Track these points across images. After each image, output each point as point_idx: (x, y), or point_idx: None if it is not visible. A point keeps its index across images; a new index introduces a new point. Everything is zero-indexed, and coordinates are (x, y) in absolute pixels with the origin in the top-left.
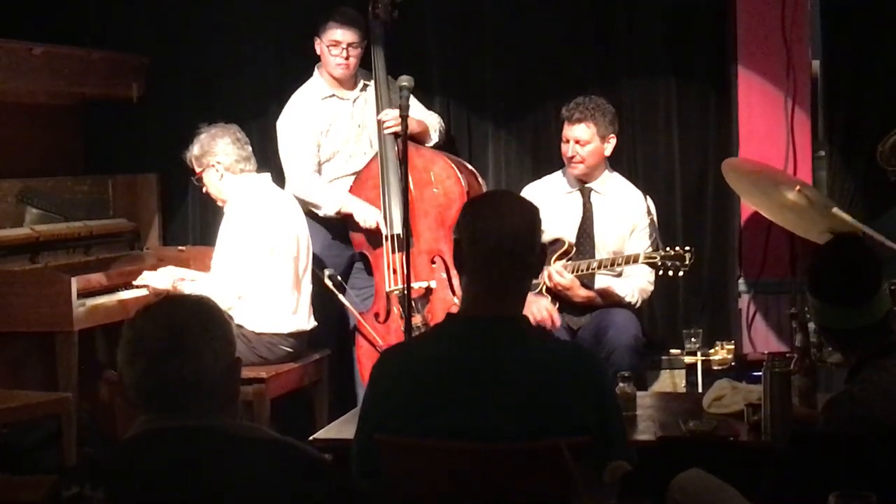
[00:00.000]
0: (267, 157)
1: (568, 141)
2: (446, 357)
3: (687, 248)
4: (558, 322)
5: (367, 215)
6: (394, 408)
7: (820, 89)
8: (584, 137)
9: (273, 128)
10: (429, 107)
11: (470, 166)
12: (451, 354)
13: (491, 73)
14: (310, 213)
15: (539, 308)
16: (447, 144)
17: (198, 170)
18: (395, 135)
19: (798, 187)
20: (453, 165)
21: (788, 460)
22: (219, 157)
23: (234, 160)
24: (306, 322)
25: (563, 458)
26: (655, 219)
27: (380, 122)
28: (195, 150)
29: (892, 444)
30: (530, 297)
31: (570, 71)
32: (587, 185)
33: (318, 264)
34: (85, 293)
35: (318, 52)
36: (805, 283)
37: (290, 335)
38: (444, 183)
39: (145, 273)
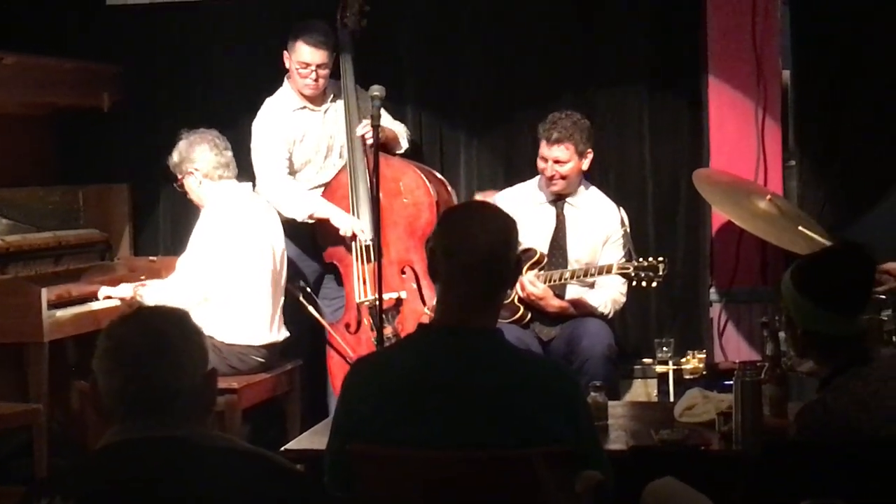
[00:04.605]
0: (239, 167)
1: (546, 160)
2: (418, 367)
3: (660, 258)
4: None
5: (341, 220)
6: (365, 418)
7: (790, 99)
8: (563, 157)
9: (245, 138)
10: (400, 116)
11: (439, 176)
12: (423, 365)
13: (463, 81)
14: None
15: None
16: (418, 154)
17: (178, 177)
18: (368, 145)
19: (769, 197)
20: (423, 175)
21: (760, 469)
22: (197, 163)
23: (213, 167)
24: (278, 333)
25: (536, 468)
26: (629, 230)
27: (359, 137)
28: (174, 157)
29: (865, 453)
30: None
31: (542, 80)
32: (562, 196)
33: (289, 275)
34: (55, 304)
35: (288, 66)
36: (795, 284)
37: (263, 346)
38: (414, 193)
39: (104, 287)
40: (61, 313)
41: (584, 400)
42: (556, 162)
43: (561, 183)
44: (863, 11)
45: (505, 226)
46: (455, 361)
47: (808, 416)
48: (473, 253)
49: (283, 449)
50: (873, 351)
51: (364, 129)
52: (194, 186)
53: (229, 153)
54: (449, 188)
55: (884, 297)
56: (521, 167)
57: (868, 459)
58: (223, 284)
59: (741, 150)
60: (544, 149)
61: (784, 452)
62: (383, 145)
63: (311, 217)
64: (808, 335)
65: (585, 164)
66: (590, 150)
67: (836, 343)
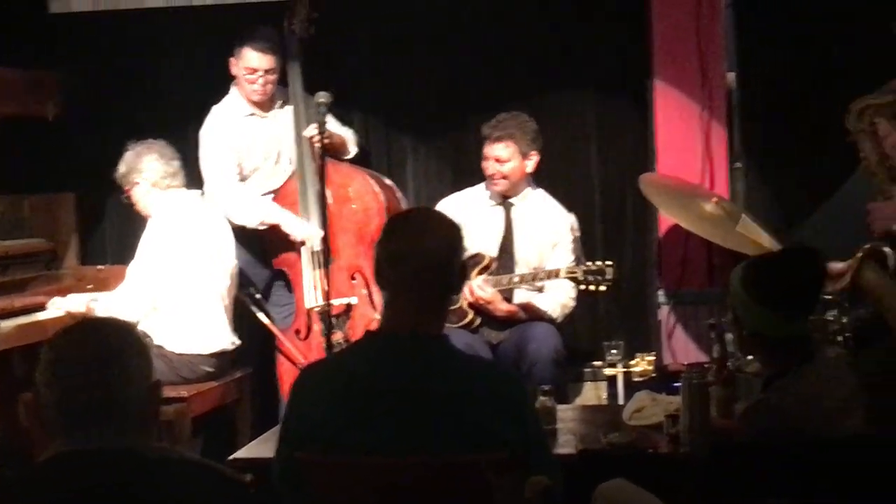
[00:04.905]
0: (188, 176)
1: (488, 159)
2: (366, 374)
3: (608, 262)
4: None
5: (292, 226)
6: (314, 425)
7: (736, 101)
8: (503, 156)
9: (192, 147)
10: (349, 122)
11: (389, 181)
12: (371, 371)
13: (410, 87)
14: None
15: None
16: (367, 159)
17: (125, 187)
18: (317, 150)
19: (715, 199)
20: (372, 181)
21: (707, 470)
22: (144, 173)
23: (161, 176)
24: (229, 341)
25: (485, 474)
26: (578, 235)
27: (306, 139)
28: (121, 168)
29: (808, 453)
30: None
31: (490, 86)
32: (509, 200)
33: (239, 282)
34: (1, 314)
35: (235, 72)
36: (744, 286)
37: (213, 355)
38: (363, 199)
39: (55, 299)
40: (6, 324)
41: (531, 404)
42: (498, 160)
43: (502, 183)
44: (806, 13)
45: (450, 232)
46: (402, 368)
47: (752, 417)
48: (419, 259)
49: (231, 458)
50: (818, 351)
51: (311, 132)
52: (142, 196)
53: (177, 162)
54: (398, 194)
55: (829, 297)
56: (469, 172)
57: (811, 459)
58: (172, 294)
59: (687, 154)
60: (486, 147)
61: (730, 453)
62: (332, 151)
63: (262, 223)
64: (754, 336)
65: (529, 166)
66: (534, 152)
67: (780, 344)
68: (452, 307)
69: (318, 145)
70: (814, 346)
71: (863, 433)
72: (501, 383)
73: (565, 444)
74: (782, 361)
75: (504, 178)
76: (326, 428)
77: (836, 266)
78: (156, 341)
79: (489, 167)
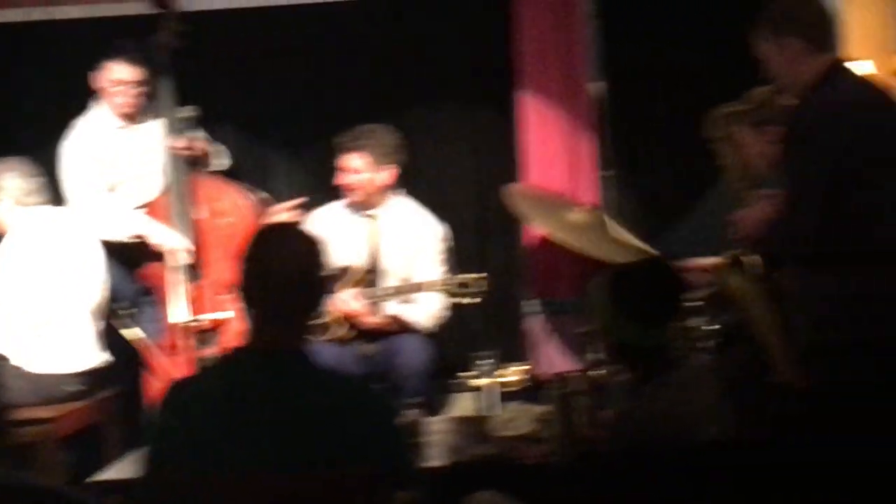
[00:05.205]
0: (52, 191)
1: (342, 170)
2: (231, 391)
3: (479, 275)
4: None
5: (162, 240)
6: (180, 443)
7: (604, 110)
8: (354, 166)
9: (54, 163)
10: (217, 136)
11: (263, 195)
12: (235, 389)
13: (281, 101)
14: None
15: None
16: (238, 173)
17: None
18: (187, 162)
19: (583, 208)
20: (245, 195)
21: (574, 479)
22: (6, 191)
23: (23, 193)
24: (98, 358)
25: (350, 490)
26: (448, 245)
27: (170, 149)
28: None
29: (673, 459)
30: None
31: (359, 99)
32: (374, 212)
33: (108, 298)
34: None
35: (101, 85)
36: (605, 297)
37: (80, 373)
38: (236, 213)
39: None
40: None
41: (393, 418)
42: (351, 171)
43: (357, 194)
44: (671, 22)
45: (312, 246)
46: (265, 384)
47: (616, 425)
48: (280, 273)
49: (94, 479)
50: (683, 358)
51: (178, 143)
52: (4, 214)
53: (38, 179)
54: (271, 208)
55: (695, 304)
56: (339, 186)
57: (675, 465)
58: (31, 312)
59: (555, 163)
60: (341, 158)
61: (596, 461)
62: (198, 161)
63: (131, 236)
64: (618, 345)
65: (386, 178)
66: (390, 164)
67: (643, 353)
68: (323, 321)
69: (186, 153)
70: (678, 353)
71: (726, 437)
72: (364, 398)
73: (435, 457)
74: (646, 370)
75: (356, 189)
76: (192, 446)
77: (705, 261)
78: (13, 361)
79: (342, 177)
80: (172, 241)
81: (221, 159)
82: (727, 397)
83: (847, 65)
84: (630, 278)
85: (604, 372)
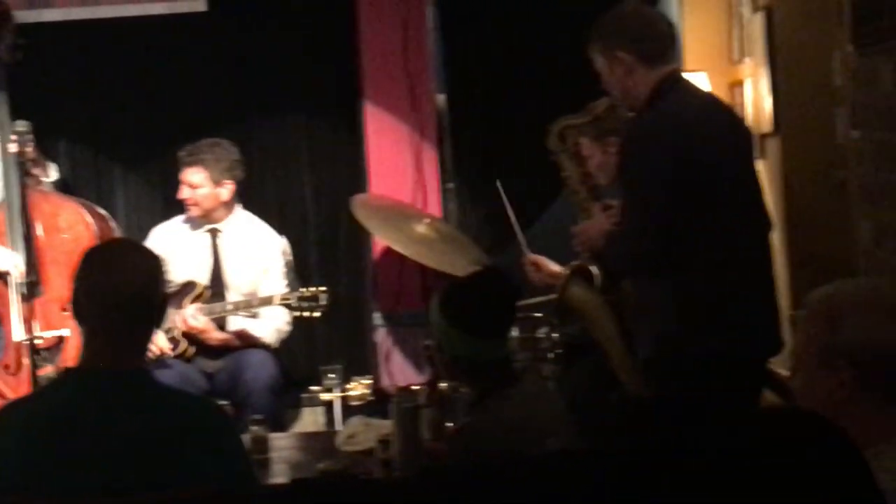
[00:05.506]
0: None
1: (182, 184)
2: (64, 413)
3: (322, 288)
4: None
5: None
6: (11, 466)
7: (446, 122)
8: (195, 182)
9: None
10: (55, 150)
11: (101, 211)
12: (69, 410)
13: (117, 114)
14: None
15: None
16: (75, 188)
17: None
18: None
19: (428, 220)
20: (83, 210)
21: (416, 494)
22: None
23: None
24: None
25: None
26: (291, 259)
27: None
28: None
29: (514, 472)
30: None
31: (199, 110)
32: (215, 226)
33: None
34: None
35: None
36: (439, 311)
37: None
38: (75, 228)
39: None
40: None
41: (235, 435)
42: (190, 186)
43: (195, 209)
44: (512, 34)
45: (149, 263)
46: (102, 405)
47: (458, 440)
48: (116, 290)
49: None
50: (527, 370)
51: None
52: None
53: None
54: (111, 223)
55: (539, 314)
56: (180, 201)
57: (516, 478)
58: None
59: (399, 175)
60: (181, 173)
61: (437, 476)
62: (33, 179)
63: None
64: (456, 360)
65: (224, 195)
66: (230, 181)
67: (482, 367)
68: (167, 337)
69: (21, 158)
70: (523, 365)
71: (569, 449)
72: (202, 416)
73: (278, 474)
74: (485, 384)
75: (196, 203)
76: (26, 469)
77: (549, 264)
78: None
79: (182, 192)
80: (4, 260)
81: (51, 174)
82: (572, 408)
83: (683, 77)
84: (461, 292)
85: (449, 385)
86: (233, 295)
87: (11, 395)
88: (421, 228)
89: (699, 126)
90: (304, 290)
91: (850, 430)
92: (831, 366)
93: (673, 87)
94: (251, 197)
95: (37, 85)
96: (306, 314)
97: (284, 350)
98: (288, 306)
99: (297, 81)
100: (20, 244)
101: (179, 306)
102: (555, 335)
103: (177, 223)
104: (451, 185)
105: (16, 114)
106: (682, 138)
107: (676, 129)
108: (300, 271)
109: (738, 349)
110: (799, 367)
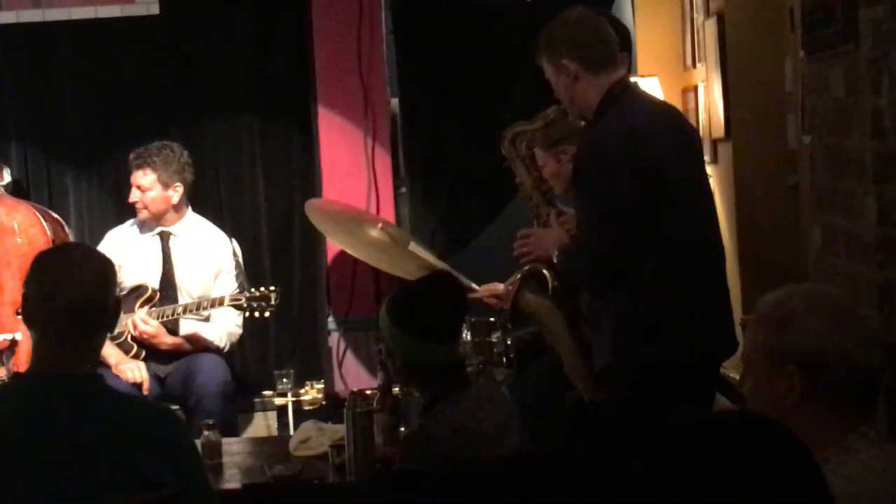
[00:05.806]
0: None
1: (132, 187)
2: (13, 418)
3: (272, 288)
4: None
5: None
6: None
7: (399, 127)
8: (144, 184)
9: None
10: (7, 153)
11: (55, 214)
12: (18, 415)
13: (69, 116)
14: None
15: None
16: (27, 191)
17: None
18: None
19: (380, 224)
20: (37, 214)
21: (369, 499)
22: None
23: None
24: None
25: None
26: (241, 261)
27: None
28: None
29: (465, 476)
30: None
31: (151, 113)
32: (166, 229)
33: None
34: None
35: None
36: (390, 316)
37: None
38: (28, 232)
39: None
40: None
41: (187, 440)
42: (139, 188)
43: (145, 212)
44: (465, 39)
45: (100, 265)
46: (53, 410)
47: (410, 444)
48: (68, 297)
49: None
50: (479, 375)
51: None
52: None
53: None
54: (65, 227)
55: (493, 319)
56: (131, 204)
57: (467, 482)
58: None
59: (352, 179)
60: (132, 175)
61: (390, 481)
62: None
63: None
64: (408, 365)
65: (175, 198)
66: (179, 183)
67: (433, 371)
68: (118, 341)
69: None
70: (475, 369)
71: (519, 452)
72: (152, 421)
73: (231, 479)
74: (436, 388)
75: (145, 206)
76: None
77: (498, 287)
78: None
79: (132, 195)
80: None
81: (4, 177)
82: (524, 412)
83: (632, 83)
84: (410, 296)
85: (401, 390)
86: (184, 298)
87: None
88: (374, 233)
89: (648, 133)
90: (254, 290)
91: (800, 433)
92: (781, 370)
93: (622, 94)
94: (204, 200)
95: None
96: (257, 314)
97: (237, 354)
98: (238, 306)
99: (249, 84)
100: None
101: (129, 310)
102: (508, 339)
103: (128, 226)
104: (403, 190)
105: None
106: (630, 147)
107: (625, 137)
108: (253, 275)
109: (692, 353)
110: (749, 372)
